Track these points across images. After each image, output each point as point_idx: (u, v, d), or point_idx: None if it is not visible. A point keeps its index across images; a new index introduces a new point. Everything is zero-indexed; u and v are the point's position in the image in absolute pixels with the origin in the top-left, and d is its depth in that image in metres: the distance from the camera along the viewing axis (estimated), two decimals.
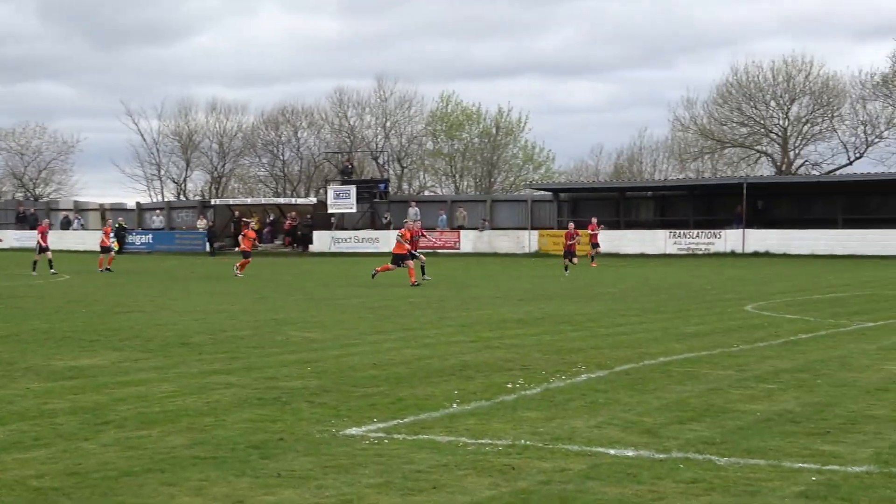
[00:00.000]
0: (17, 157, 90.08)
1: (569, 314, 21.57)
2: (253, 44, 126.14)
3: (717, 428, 9.53)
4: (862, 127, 71.71)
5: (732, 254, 54.17)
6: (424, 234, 37.39)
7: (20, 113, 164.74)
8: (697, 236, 56.25)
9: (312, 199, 73.90)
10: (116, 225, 53.87)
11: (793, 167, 73.57)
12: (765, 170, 75.49)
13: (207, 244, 65.04)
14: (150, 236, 69.44)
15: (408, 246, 31.60)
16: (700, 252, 55.27)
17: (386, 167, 79.16)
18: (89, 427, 9.55)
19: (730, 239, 55.08)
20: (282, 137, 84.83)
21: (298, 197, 79.24)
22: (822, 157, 74.02)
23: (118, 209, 75.64)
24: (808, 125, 73.85)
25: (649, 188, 65.36)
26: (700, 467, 8.02)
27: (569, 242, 40.22)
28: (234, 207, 70.42)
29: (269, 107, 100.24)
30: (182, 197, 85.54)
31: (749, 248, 54.24)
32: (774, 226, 56.06)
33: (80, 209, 77.05)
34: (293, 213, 67.87)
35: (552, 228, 60.63)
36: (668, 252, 55.94)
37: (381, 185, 67.29)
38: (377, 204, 66.56)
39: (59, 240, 59.89)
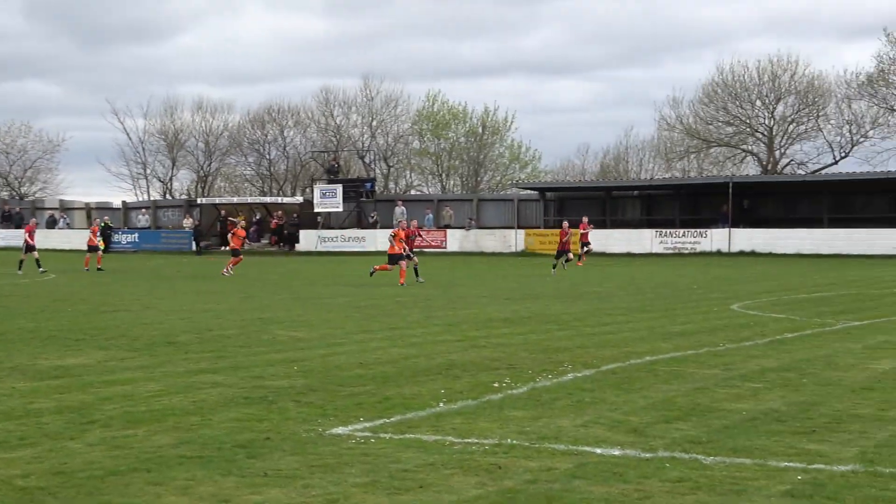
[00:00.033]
0: (3, 156, 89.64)
1: (555, 313, 21.58)
2: (238, 43, 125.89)
3: (704, 427, 9.55)
4: (847, 126, 71.95)
5: (718, 253, 54.26)
6: (421, 233, 37.29)
7: (5, 111, 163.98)
8: (683, 235, 56.34)
9: (299, 199, 73.81)
10: (102, 224, 53.68)
11: (778, 166, 73.74)
12: (750, 169, 75.72)
13: (194, 243, 64.91)
14: (136, 235, 69.21)
15: (399, 246, 31.50)
16: (686, 251, 55.36)
17: (372, 166, 79.07)
18: (75, 426, 9.53)
19: (716, 238, 55.18)
20: (268, 136, 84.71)
21: (285, 196, 79.13)
22: (808, 157, 74.30)
23: (104, 208, 75.38)
24: (794, 124, 74.03)
25: (635, 187, 65.45)
26: (686, 466, 8.03)
27: (563, 241, 40.16)
28: (220, 206, 70.25)
29: (255, 106, 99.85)
30: (168, 196, 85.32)
31: (735, 248, 54.34)
32: (760, 225, 56.17)
33: (65, 208, 76.78)
34: (279, 213, 67.75)
35: (538, 228, 60.70)
36: (654, 251, 56.02)
37: (368, 185, 67.24)
38: (364, 203, 66.53)
39: (44, 239, 59.57)
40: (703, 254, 54.37)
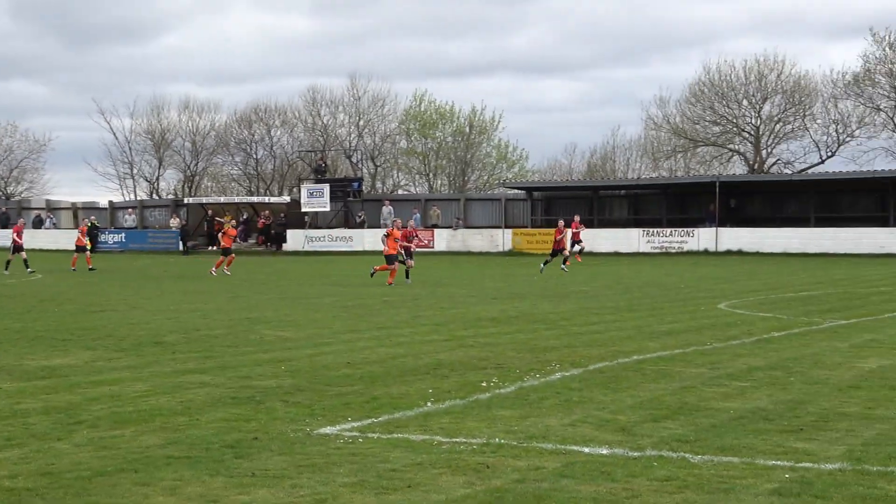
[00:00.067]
0: None
1: (543, 313, 21.60)
2: (225, 42, 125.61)
3: (691, 426, 9.57)
4: (833, 126, 72.04)
5: (706, 252, 54.33)
6: (418, 234, 37.18)
7: None
8: (671, 235, 56.41)
9: (286, 198, 73.68)
10: (89, 224, 53.51)
11: (765, 166, 73.87)
12: (737, 168, 75.81)
13: (181, 243, 64.78)
14: (123, 235, 69.02)
15: (392, 246, 31.40)
16: (673, 250, 55.43)
17: (359, 166, 78.96)
18: (62, 427, 9.51)
19: (703, 237, 55.26)
20: (255, 136, 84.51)
21: (272, 196, 78.97)
22: (795, 156, 74.38)
23: (90, 208, 75.15)
24: (781, 124, 74.15)
25: (623, 187, 65.51)
26: (674, 465, 8.05)
27: (557, 239, 40.06)
28: (207, 206, 70.10)
29: (242, 105, 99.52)
30: (155, 196, 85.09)
31: (722, 247, 54.43)
32: (747, 224, 56.25)
33: (52, 208, 76.53)
34: (267, 212, 67.65)
35: (526, 227, 60.74)
36: (641, 250, 56.07)
37: (355, 184, 67.17)
38: (351, 203, 66.45)
39: (31, 239, 59.30)
40: (690, 253, 54.45)
